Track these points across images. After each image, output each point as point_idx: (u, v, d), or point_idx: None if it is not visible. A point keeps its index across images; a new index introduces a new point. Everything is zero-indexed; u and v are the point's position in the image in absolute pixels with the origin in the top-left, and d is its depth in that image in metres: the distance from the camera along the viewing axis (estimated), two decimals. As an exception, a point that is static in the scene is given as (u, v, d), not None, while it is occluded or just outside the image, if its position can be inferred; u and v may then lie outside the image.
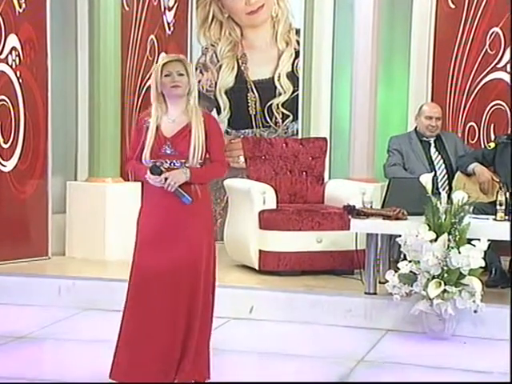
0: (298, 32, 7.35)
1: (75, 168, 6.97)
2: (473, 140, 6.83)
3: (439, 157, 6.33)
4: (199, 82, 7.53)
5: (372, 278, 5.36)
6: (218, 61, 7.55)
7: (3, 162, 6.23)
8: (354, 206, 5.41)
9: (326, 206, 6.32)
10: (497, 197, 5.23)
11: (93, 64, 6.59)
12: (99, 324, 5.23)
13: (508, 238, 5.04)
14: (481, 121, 6.81)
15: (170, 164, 3.85)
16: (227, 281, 5.63)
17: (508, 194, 5.23)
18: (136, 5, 6.97)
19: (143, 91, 7.07)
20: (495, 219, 5.20)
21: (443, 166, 6.29)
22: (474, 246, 4.90)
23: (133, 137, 4.03)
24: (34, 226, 6.43)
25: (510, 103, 6.65)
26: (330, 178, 6.90)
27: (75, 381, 4.14)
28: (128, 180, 6.74)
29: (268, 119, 7.47)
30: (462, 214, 4.96)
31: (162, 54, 7.00)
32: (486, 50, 6.75)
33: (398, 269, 5.03)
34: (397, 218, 5.28)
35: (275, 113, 7.45)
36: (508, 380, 4.22)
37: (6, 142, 6.24)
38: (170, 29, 7.33)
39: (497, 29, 6.70)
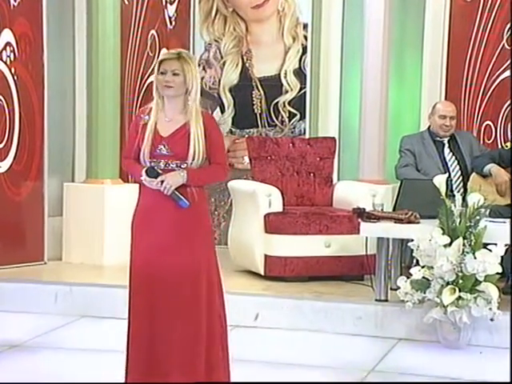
0: (305, 27, 7.34)
1: (72, 169, 6.97)
2: (489, 140, 6.82)
3: (453, 157, 6.32)
4: (202, 79, 7.53)
5: (383, 285, 5.35)
6: (222, 57, 7.55)
7: (-3, 163, 6.25)
8: (364, 209, 5.41)
9: (335, 208, 6.31)
10: (514, 199, 5.22)
11: (91, 60, 6.59)
12: (98, 332, 5.23)
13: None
14: (497, 119, 6.80)
15: (166, 165, 3.85)
16: (231, 287, 5.60)
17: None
18: (136, -2, 6.99)
19: (144, 89, 7.08)
20: (512, 223, 5.19)
21: (458, 166, 6.28)
22: (490, 250, 4.88)
23: (129, 133, 4.02)
24: (29, 229, 6.43)
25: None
26: (338, 180, 6.89)
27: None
28: (128, 181, 6.73)
29: (274, 118, 7.46)
30: (478, 217, 4.95)
31: (163, 51, 7.00)
32: (503, 45, 6.73)
33: (411, 275, 5.02)
34: (409, 222, 5.27)
35: (281, 111, 7.44)
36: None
37: (0, 142, 6.24)
38: (171, 23, 7.33)
39: (514, 23, 6.70)
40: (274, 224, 5.96)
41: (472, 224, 4.93)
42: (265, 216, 5.99)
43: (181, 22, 7.40)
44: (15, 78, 6.29)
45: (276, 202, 6.03)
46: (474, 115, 6.85)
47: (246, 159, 6.64)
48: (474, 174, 6.12)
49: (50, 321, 5.40)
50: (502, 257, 4.89)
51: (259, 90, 7.48)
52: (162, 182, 3.79)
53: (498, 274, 4.89)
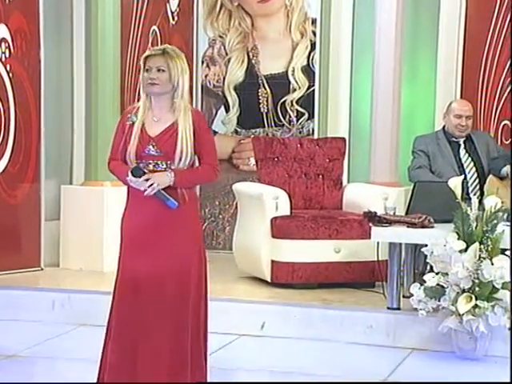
0: (314, 22, 7.34)
1: (70, 170, 6.99)
2: (507, 140, 6.81)
3: (469, 159, 6.31)
4: (206, 76, 7.54)
5: (395, 292, 5.34)
6: (227, 54, 7.55)
7: (-8, 164, 6.26)
8: (376, 213, 5.40)
9: (345, 212, 6.31)
10: (533, 202, 5.21)
11: (90, 57, 6.61)
12: (96, 342, 5.21)
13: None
14: (516, 119, 6.80)
15: (154, 166, 3.86)
16: (236, 294, 5.62)
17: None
18: (137, -8, 7.00)
19: (145, 87, 7.07)
20: (531, 227, 5.18)
21: (474, 168, 6.27)
22: (508, 256, 4.87)
23: (115, 134, 4.02)
24: (25, 233, 6.43)
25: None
26: (348, 182, 6.89)
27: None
28: (128, 184, 6.72)
29: (281, 117, 7.46)
30: (495, 221, 4.94)
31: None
32: (523, 41, 6.73)
33: (424, 281, 5.01)
34: (422, 226, 5.27)
35: (289, 110, 7.44)
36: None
37: (-6, 142, 6.27)
38: (174, 19, 7.34)
39: (534, 19, 6.69)
40: (281, 228, 5.95)
41: (489, 228, 4.92)
42: (271, 220, 5.98)
43: (183, 17, 7.41)
44: (10, 75, 6.30)
45: (283, 205, 6.03)
46: (491, 114, 6.84)
47: (252, 161, 6.64)
48: (490, 175, 6.12)
49: (46, 330, 5.40)
50: (520, 263, 4.88)
51: (265, 89, 7.47)
52: (147, 180, 3.79)
53: (516, 280, 4.89)
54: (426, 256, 5.13)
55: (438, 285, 4.95)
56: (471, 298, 4.84)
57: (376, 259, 5.68)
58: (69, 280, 6.26)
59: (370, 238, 5.42)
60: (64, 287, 5.96)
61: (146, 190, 3.80)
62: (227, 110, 7.51)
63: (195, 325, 3.89)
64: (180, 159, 3.84)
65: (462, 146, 6.37)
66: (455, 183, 5.11)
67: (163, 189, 3.82)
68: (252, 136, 7.08)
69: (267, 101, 7.48)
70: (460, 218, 4.97)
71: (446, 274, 4.92)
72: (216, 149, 3.99)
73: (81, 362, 4.80)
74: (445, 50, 6.95)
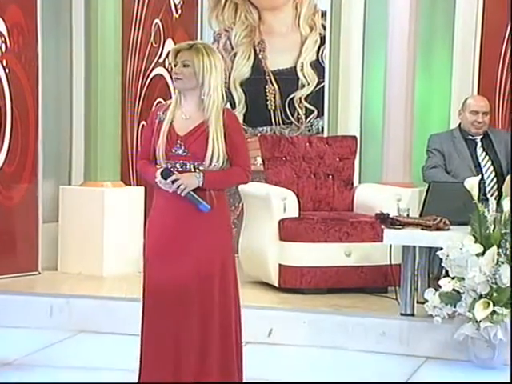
0: (323, 15, 7.34)
1: (69, 170, 6.99)
2: (526, 138, 6.79)
3: (487, 158, 6.30)
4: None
5: (409, 297, 5.34)
6: (233, 48, 7.56)
7: (-13, 164, 6.27)
8: (388, 215, 5.40)
9: (356, 214, 6.31)
10: (554, 204, 5.19)
11: (90, 52, 6.61)
12: (96, 348, 5.23)
13: None
14: (536, 116, 6.79)
15: (182, 166, 3.86)
16: (242, 299, 5.60)
17: None
18: (139, -15, 7.01)
19: (147, 83, 7.08)
20: (552, 230, 5.17)
21: (491, 168, 6.26)
22: (527, 260, 4.86)
23: (143, 133, 4.05)
24: (21, 236, 6.44)
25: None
26: (360, 182, 6.89)
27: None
28: (130, 184, 6.74)
29: (289, 115, 7.47)
30: (514, 223, 4.93)
31: (168, 41, 7.03)
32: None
33: (439, 287, 5.00)
34: (437, 229, 5.26)
35: (297, 107, 7.44)
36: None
37: (-10, 141, 6.28)
38: (177, 11, 7.34)
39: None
40: (289, 231, 5.95)
41: (507, 231, 4.91)
42: (279, 222, 5.98)
43: (187, 9, 7.41)
44: (7, 70, 6.30)
45: (291, 206, 6.03)
46: (509, 111, 6.83)
47: (259, 160, 6.64)
48: (509, 176, 6.10)
49: (44, 336, 5.41)
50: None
51: (273, 85, 7.48)
52: (174, 181, 3.78)
53: (536, 286, 4.88)
54: (441, 260, 5.12)
55: (453, 290, 4.95)
56: (489, 303, 4.83)
57: (389, 263, 5.68)
58: (67, 284, 6.27)
59: (382, 240, 5.42)
60: (62, 292, 5.97)
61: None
62: (233, 107, 7.51)
63: (226, 332, 3.92)
64: (211, 161, 3.84)
65: (479, 144, 6.36)
66: (472, 184, 5.10)
67: (195, 191, 3.82)
68: (259, 134, 7.08)
69: (275, 97, 7.48)
70: (477, 220, 4.96)
71: (463, 278, 4.91)
72: (248, 150, 4.01)
73: (80, 371, 4.81)
74: (461, 43, 6.94)
